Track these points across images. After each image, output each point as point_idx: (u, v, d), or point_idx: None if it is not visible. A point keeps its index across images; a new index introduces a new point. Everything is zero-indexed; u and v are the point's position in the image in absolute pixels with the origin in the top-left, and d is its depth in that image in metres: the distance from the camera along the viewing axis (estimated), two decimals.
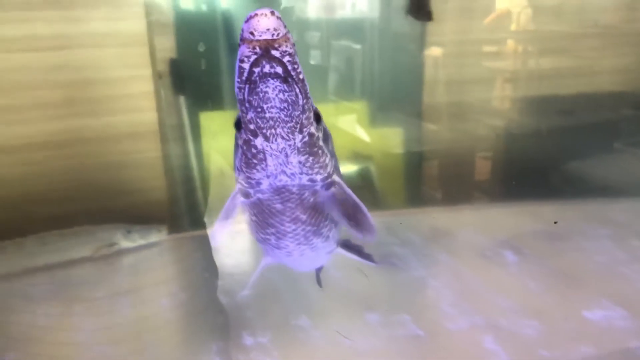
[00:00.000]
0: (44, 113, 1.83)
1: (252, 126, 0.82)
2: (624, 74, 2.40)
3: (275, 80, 0.75)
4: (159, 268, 1.74)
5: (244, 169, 0.90)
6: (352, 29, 2.22)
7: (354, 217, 0.97)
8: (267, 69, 0.74)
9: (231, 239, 1.26)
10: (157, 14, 1.90)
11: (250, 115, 0.81)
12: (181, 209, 2.04)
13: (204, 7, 2.01)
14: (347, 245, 1.25)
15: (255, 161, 0.87)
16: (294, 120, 0.81)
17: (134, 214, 1.84)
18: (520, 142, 2.34)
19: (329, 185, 0.95)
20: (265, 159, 0.86)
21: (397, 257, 1.65)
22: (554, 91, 2.35)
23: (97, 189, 1.89)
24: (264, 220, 1.00)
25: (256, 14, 0.70)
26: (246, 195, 0.96)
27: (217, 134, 2.07)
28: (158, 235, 1.76)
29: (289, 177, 0.90)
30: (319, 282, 1.38)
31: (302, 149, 0.86)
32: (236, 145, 0.92)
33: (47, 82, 1.80)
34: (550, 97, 2.35)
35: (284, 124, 0.81)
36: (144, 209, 1.92)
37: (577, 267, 1.58)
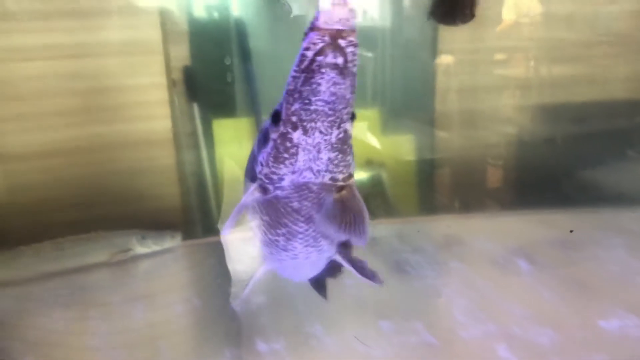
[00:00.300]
0: (61, 120, 1.86)
1: (294, 118, 0.84)
2: (637, 81, 2.39)
3: (332, 72, 0.77)
4: (173, 274, 1.74)
5: (271, 164, 0.91)
6: (364, 36, 2.23)
7: (353, 221, 0.98)
8: (329, 58, 0.76)
9: (243, 245, 1.26)
10: (172, 23, 1.92)
11: (296, 106, 0.83)
12: (195, 216, 2.06)
13: (217, 16, 2.02)
14: (351, 259, 1.23)
15: (286, 155, 0.89)
16: (336, 115, 0.83)
17: (149, 220, 1.86)
18: (533, 149, 2.33)
19: (340, 187, 0.96)
20: (297, 154, 0.88)
21: (409, 264, 1.65)
22: (567, 99, 2.34)
23: (113, 195, 1.91)
24: (277, 219, 1.01)
25: (333, 3, 0.73)
26: (264, 191, 0.97)
27: (230, 141, 2.09)
28: (172, 242, 1.77)
29: (314, 174, 0.91)
30: (321, 292, 1.37)
31: (335, 145, 0.88)
32: (262, 139, 0.94)
33: (63, 90, 1.83)
34: (563, 104, 2.34)
35: (326, 118, 0.83)
36: (159, 215, 1.94)
37: (591, 276, 1.57)
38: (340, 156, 0.91)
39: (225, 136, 2.09)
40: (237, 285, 1.46)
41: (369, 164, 2.22)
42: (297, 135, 0.86)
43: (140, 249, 1.73)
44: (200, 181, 2.06)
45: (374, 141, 2.21)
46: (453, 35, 2.21)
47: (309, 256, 1.11)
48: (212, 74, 2.06)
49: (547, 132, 2.33)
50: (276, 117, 0.87)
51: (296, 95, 0.81)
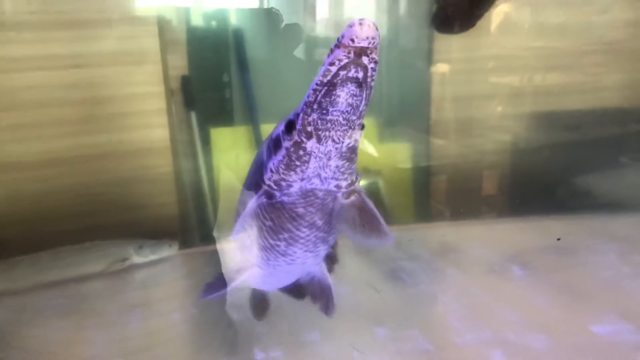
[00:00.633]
0: (58, 130, 1.86)
1: (310, 128, 0.87)
2: (630, 89, 2.41)
3: (352, 84, 0.81)
4: (170, 282, 1.75)
5: (281, 170, 0.94)
6: None
7: (370, 225, 1.02)
8: (352, 72, 0.79)
9: (240, 252, 1.27)
10: (170, 32, 1.93)
11: (314, 116, 0.86)
12: (192, 224, 2.07)
13: (215, 25, 2.04)
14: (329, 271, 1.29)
15: (298, 163, 0.92)
16: (349, 124, 0.87)
17: (146, 228, 1.87)
18: (527, 157, 2.35)
19: (349, 193, 0.99)
20: (308, 161, 0.91)
21: (405, 272, 1.66)
22: (560, 107, 2.36)
23: (110, 204, 1.92)
24: (281, 224, 1.04)
25: (360, 23, 0.75)
26: (270, 197, 1.00)
27: (227, 149, 2.10)
28: (170, 251, 1.78)
29: (321, 181, 0.95)
30: (295, 295, 1.39)
31: (344, 154, 0.91)
32: (271, 147, 0.97)
33: (61, 100, 1.84)
34: (557, 112, 2.36)
35: (340, 127, 0.87)
36: (156, 224, 1.94)
37: (583, 282, 1.58)
38: (347, 164, 0.94)
39: (223, 145, 2.10)
40: (235, 294, 1.46)
41: (365, 171, 2.23)
42: (310, 144, 0.89)
43: (137, 259, 1.73)
44: (198, 190, 2.06)
45: (370, 149, 2.22)
46: (448, 45, 2.23)
47: (305, 261, 1.14)
48: (210, 83, 2.08)
49: (541, 140, 2.35)
50: (290, 127, 0.90)
51: (315, 106, 0.84)
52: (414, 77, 2.31)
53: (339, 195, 1.00)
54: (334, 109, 0.84)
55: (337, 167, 0.93)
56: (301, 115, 0.87)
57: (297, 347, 1.32)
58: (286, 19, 2.03)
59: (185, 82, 2.00)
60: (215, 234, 1.28)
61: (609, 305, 1.44)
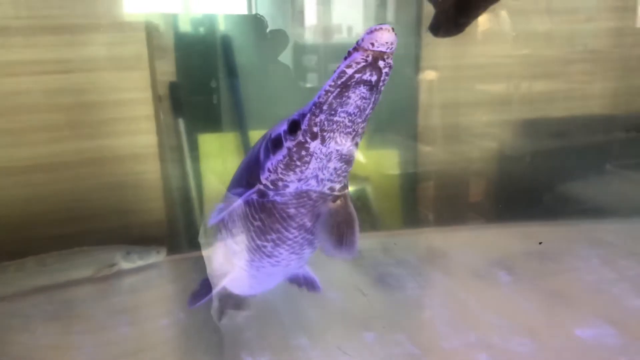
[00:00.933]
0: (46, 136, 1.86)
1: (315, 129, 0.88)
2: (614, 97, 2.44)
3: (364, 87, 0.82)
4: (158, 288, 1.75)
5: (280, 171, 0.95)
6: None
7: (344, 233, 1.02)
8: (367, 75, 0.80)
9: (225, 257, 1.28)
10: (158, 39, 1.94)
11: (321, 117, 0.86)
12: (180, 230, 2.06)
13: (203, 31, 2.04)
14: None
15: (298, 163, 0.92)
16: (353, 127, 0.88)
17: (134, 234, 1.87)
18: (514, 164, 2.37)
19: (336, 197, 1.00)
20: (309, 162, 0.92)
21: (393, 277, 1.67)
22: (546, 114, 2.39)
23: (98, 210, 1.91)
24: (270, 224, 1.05)
25: (381, 28, 0.77)
26: (263, 195, 1.01)
27: (215, 155, 2.10)
28: (157, 257, 1.77)
29: (317, 182, 0.96)
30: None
31: (344, 156, 0.92)
32: (269, 147, 0.97)
33: (49, 106, 1.83)
34: (543, 119, 2.39)
35: (344, 129, 0.88)
36: (144, 230, 1.94)
37: (568, 287, 1.60)
38: (344, 167, 0.95)
39: (211, 151, 2.10)
40: (221, 299, 1.46)
41: (353, 178, 2.23)
42: (314, 145, 0.89)
43: (125, 265, 1.73)
44: (186, 196, 2.06)
45: (358, 155, 2.23)
46: (436, 52, 2.25)
47: (290, 263, 1.14)
48: (198, 90, 2.08)
49: (527, 147, 2.37)
50: (294, 127, 0.91)
51: (325, 107, 0.85)
52: (401, 84, 2.32)
53: (329, 198, 1.01)
54: (343, 110, 0.85)
55: (335, 169, 0.94)
56: (309, 115, 0.88)
57: (285, 352, 1.32)
58: (274, 25, 2.04)
59: (173, 88, 2.00)
60: (200, 239, 1.29)
61: (593, 310, 1.45)
